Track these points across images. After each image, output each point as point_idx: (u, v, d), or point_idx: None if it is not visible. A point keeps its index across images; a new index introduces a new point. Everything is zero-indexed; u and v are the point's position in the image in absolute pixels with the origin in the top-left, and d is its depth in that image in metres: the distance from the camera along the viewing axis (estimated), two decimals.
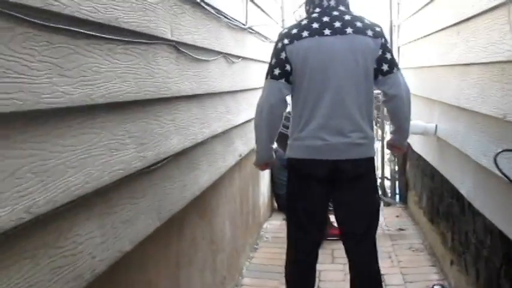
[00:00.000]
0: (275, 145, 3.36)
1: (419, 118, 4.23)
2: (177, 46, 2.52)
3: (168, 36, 2.41)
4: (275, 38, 4.58)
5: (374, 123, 3.32)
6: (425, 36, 4.38)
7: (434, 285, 3.88)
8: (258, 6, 4.79)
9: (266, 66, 4.97)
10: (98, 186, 1.69)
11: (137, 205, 2.03)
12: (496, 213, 2.56)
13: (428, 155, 4.33)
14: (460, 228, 3.63)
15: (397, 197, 6.30)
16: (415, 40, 4.85)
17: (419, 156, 5.03)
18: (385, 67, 2.97)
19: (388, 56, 2.99)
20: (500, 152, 1.85)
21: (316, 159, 3.00)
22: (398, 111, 3.09)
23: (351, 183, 3.04)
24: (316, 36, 2.97)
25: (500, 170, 1.82)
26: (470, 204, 3.33)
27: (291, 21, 7.32)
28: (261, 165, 3.39)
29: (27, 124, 1.36)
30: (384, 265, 4.35)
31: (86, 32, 1.65)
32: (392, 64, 2.99)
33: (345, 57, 2.94)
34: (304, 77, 2.99)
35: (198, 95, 2.86)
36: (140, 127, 2.08)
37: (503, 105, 2.37)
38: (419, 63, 4.61)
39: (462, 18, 3.11)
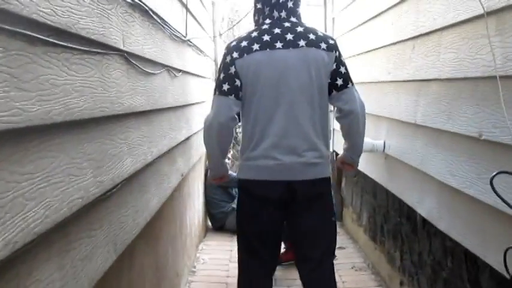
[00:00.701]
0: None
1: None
2: (128, 57, 2.28)
3: (120, 46, 2.16)
4: (208, 52, 4.32)
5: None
6: (368, 51, 4.29)
7: None
8: (195, 18, 4.58)
9: (202, 81, 4.77)
10: (57, 220, 1.42)
11: (95, 238, 1.77)
12: (466, 235, 2.44)
13: (373, 173, 4.21)
14: (412, 248, 3.53)
15: None
16: (355, 55, 4.76)
17: (358, 173, 4.93)
18: (339, 82, 2.83)
19: (343, 70, 2.85)
20: (496, 174, 1.72)
21: (269, 180, 2.82)
22: (353, 127, 2.95)
23: (307, 205, 2.88)
24: (268, 50, 2.80)
25: (498, 195, 1.69)
26: (424, 224, 3.23)
27: (223, 36, 7.16)
28: (217, 179, 3.19)
29: None
30: None
31: (44, 38, 1.39)
32: (347, 78, 2.86)
33: (298, 71, 2.78)
34: (255, 93, 2.80)
35: (146, 111, 2.62)
36: (96, 148, 1.82)
37: (478, 124, 2.26)
38: (360, 78, 4.51)
39: (419, 33, 3.01)
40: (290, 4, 2.89)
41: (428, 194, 2.91)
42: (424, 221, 3.18)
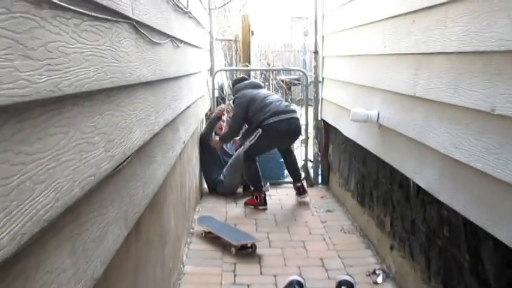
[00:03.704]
0: None
1: (357, 105, 3.86)
2: (136, 26, 2.00)
3: (130, 14, 1.88)
4: (205, 24, 4.01)
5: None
6: (364, 25, 3.99)
7: (375, 270, 3.56)
8: None
9: (200, 51, 4.46)
10: (68, 203, 1.17)
11: (106, 216, 1.51)
12: (472, 208, 2.20)
13: (366, 142, 3.95)
14: (404, 215, 3.31)
15: (320, 178, 5.98)
16: (348, 29, 4.48)
17: (347, 140, 4.70)
18: None
19: None
20: None
21: None
22: None
23: None
24: None
25: None
26: (418, 192, 3.01)
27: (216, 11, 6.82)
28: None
29: None
30: (320, 248, 4.02)
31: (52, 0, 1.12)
32: None
33: None
34: None
35: (153, 81, 2.34)
36: (107, 121, 1.55)
37: (491, 98, 2.01)
38: (354, 51, 4.25)
39: (420, 7, 2.73)
40: None
41: (428, 165, 2.68)
42: (419, 189, 2.96)
